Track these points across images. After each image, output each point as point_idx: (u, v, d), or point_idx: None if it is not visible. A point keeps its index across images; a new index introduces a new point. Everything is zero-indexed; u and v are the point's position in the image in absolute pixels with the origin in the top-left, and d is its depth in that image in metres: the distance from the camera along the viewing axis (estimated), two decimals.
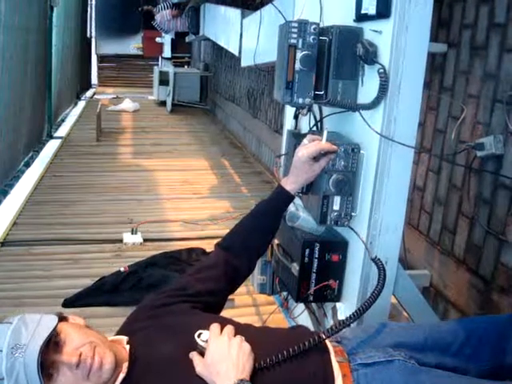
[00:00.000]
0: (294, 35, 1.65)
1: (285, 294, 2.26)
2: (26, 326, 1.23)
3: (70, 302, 2.97)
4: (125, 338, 1.39)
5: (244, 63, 4.48)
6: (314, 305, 2.10)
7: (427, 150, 2.76)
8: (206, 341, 1.29)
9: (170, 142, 7.37)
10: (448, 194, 2.61)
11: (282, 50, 1.70)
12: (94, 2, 14.32)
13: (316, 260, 1.82)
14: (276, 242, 2.10)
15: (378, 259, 1.57)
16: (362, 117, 1.66)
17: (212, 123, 9.22)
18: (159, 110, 10.12)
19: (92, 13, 14.39)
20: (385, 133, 1.62)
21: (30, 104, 6.29)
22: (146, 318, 1.46)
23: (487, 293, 2.31)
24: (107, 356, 1.25)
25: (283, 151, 2.28)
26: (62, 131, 8.15)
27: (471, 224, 2.44)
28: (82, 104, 11.06)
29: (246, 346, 1.28)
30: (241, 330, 1.37)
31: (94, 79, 14.86)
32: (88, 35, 13.98)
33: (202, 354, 1.28)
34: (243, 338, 1.31)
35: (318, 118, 2.01)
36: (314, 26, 1.66)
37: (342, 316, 1.86)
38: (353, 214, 1.75)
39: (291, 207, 1.85)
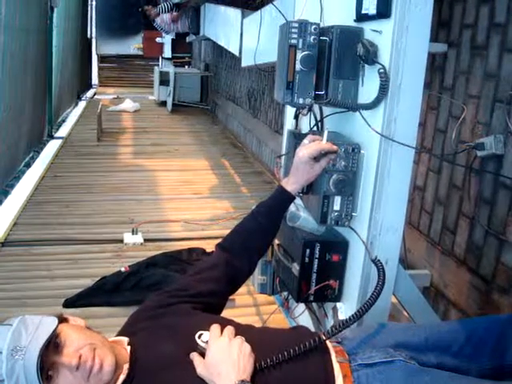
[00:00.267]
0: (295, 35, 1.65)
1: (285, 293, 2.26)
2: (26, 327, 1.24)
3: (70, 302, 2.97)
4: (125, 339, 1.39)
5: (244, 63, 4.48)
6: (314, 305, 2.10)
7: (428, 149, 2.76)
8: (207, 342, 1.29)
9: (170, 142, 7.38)
10: (448, 194, 2.61)
11: (283, 50, 1.70)
12: (94, 3, 14.32)
13: (316, 260, 1.82)
14: (276, 242, 2.10)
15: (378, 260, 1.57)
16: (363, 117, 1.66)
17: (212, 123, 9.22)
18: (160, 110, 10.12)
19: (92, 13, 14.38)
20: (385, 133, 1.62)
21: (31, 104, 6.29)
22: (146, 318, 1.46)
23: (488, 293, 2.31)
24: (107, 358, 1.25)
25: (284, 151, 2.28)
26: (63, 131, 8.15)
27: (472, 224, 2.44)
28: (82, 104, 11.06)
29: (247, 347, 1.28)
30: (241, 330, 1.37)
31: (95, 79, 14.86)
32: (88, 35, 13.98)
33: (202, 354, 1.28)
34: (243, 338, 1.31)
35: (319, 118, 2.01)
36: (314, 26, 1.66)
37: (342, 316, 1.86)
38: (353, 213, 1.75)
39: (292, 207, 1.85)
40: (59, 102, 8.59)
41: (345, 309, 1.87)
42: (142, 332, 1.41)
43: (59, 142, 7.34)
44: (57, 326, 1.26)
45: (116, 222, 4.30)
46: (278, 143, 4.45)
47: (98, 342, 1.29)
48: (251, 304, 3.00)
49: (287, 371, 1.30)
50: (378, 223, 1.70)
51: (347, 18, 1.75)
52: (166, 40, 11.19)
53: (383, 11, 1.57)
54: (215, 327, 1.32)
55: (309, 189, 1.75)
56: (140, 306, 1.55)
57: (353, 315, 1.39)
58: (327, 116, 1.96)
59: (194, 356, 1.28)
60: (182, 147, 7.16)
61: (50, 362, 1.20)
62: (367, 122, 1.65)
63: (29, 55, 6.10)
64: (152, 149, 6.96)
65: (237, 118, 7.90)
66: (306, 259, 1.81)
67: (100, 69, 15.04)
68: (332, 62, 1.67)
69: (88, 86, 13.66)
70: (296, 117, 2.19)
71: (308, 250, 1.81)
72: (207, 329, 1.33)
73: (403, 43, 1.56)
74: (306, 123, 2.12)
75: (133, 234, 3.91)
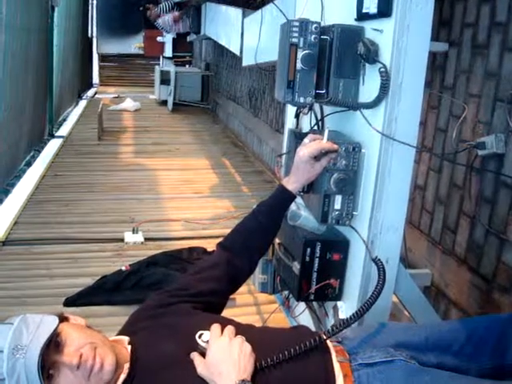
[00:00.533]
0: (296, 34, 1.64)
1: (286, 292, 2.26)
2: (27, 326, 1.24)
3: (71, 301, 2.98)
4: (126, 339, 1.39)
5: (245, 62, 4.48)
6: (315, 304, 2.10)
7: (428, 149, 2.76)
8: (207, 341, 1.29)
9: (171, 142, 7.38)
10: (449, 193, 2.61)
11: (284, 49, 1.70)
12: (95, 2, 14.32)
13: (317, 259, 1.82)
14: (277, 240, 2.10)
15: (379, 259, 1.57)
16: (364, 116, 1.66)
17: (213, 122, 9.22)
18: (160, 110, 10.12)
19: (93, 12, 14.39)
20: (386, 132, 1.62)
21: (32, 103, 6.30)
22: (147, 318, 1.46)
23: (488, 292, 2.31)
24: (108, 357, 1.25)
25: (284, 150, 2.28)
26: (64, 130, 8.15)
27: (472, 223, 2.43)
28: (83, 103, 11.07)
29: (247, 346, 1.28)
30: (242, 330, 1.37)
31: (96, 78, 14.87)
32: (89, 35, 13.98)
33: (202, 354, 1.28)
34: (244, 338, 1.31)
35: (319, 117, 2.01)
36: (315, 25, 1.66)
37: (343, 315, 1.86)
38: (354, 213, 1.75)
39: (292, 206, 1.85)
40: (60, 101, 8.59)
41: (345, 308, 1.87)
42: (142, 331, 1.41)
43: (60, 141, 7.34)
44: (58, 325, 1.26)
45: (116, 221, 4.30)
46: (279, 142, 4.45)
47: (99, 341, 1.29)
48: (252, 303, 3.00)
49: (287, 371, 1.30)
50: (379, 222, 1.70)
51: (348, 17, 1.75)
52: (167, 39, 11.18)
53: (384, 10, 1.57)
54: (216, 327, 1.32)
55: (310, 188, 1.75)
56: (140, 305, 1.55)
57: (353, 314, 1.39)
58: (328, 115, 1.96)
59: (195, 356, 1.28)
60: (182, 146, 7.16)
61: (50, 361, 1.20)
62: (368, 121, 1.65)
63: (30, 54, 6.10)
64: (153, 148, 6.96)
65: (237, 117, 7.90)
66: (307, 258, 1.81)
67: (101, 68, 15.06)
68: (333, 61, 1.67)
69: (89, 85, 13.67)
70: (297, 116, 2.19)
71: (309, 249, 1.81)
72: (208, 328, 1.33)
73: (404, 42, 1.56)
74: (306, 122, 2.12)
75: (133, 233, 3.91)
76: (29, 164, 5.99)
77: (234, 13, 4.99)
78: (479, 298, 2.36)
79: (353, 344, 1.44)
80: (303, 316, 2.15)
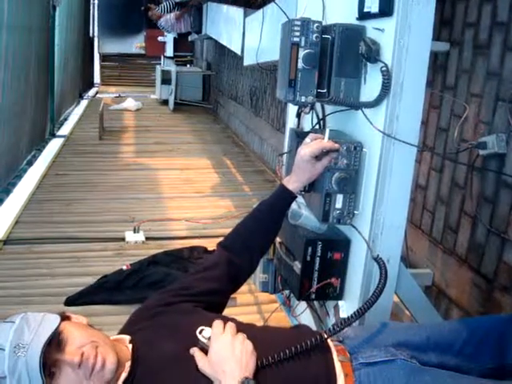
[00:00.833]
0: (297, 33, 1.64)
1: (287, 292, 2.26)
2: (28, 325, 1.24)
3: (72, 300, 2.98)
4: (127, 338, 1.39)
5: (246, 62, 4.48)
6: (316, 303, 2.10)
7: (430, 148, 2.76)
8: (208, 338, 1.29)
9: (172, 141, 7.38)
10: (450, 193, 2.61)
11: (285, 48, 1.70)
12: (96, 1, 14.33)
13: (318, 258, 1.82)
14: (278, 240, 2.10)
15: (380, 258, 1.57)
16: (365, 115, 1.66)
17: (214, 122, 9.22)
18: (161, 109, 10.12)
19: (94, 12, 14.39)
20: (387, 131, 1.62)
21: (33, 103, 6.30)
22: (148, 317, 1.46)
23: (489, 291, 2.31)
24: (110, 356, 1.25)
25: (285, 150, 2.28)
26: (65, 130, 8.15)
27: (474, 223, 2.43)
28: (84, 103, 11.07)
29: (249, 344, 1.28)
30: (243, 329, 1.37)
31: (97, 78, 14.87)
32: (90, 34, 13.99)
33: (203, 350, 1.28)
34: (245, 335, 1.31)
35: (321, 116, 2.01)
36: (316, 25, 1.66)
37: (344, 314, 1.86)
38: (355, 212, 1.75)
39: (293, 205, 1.85)
40: (61, 100, 8.60)
41: (346, 307, 1.87)
42: (143, 330, 1.41)
43: (61, 140, 7.34)
44: (59, 324, 1.26)
45: (118, 221, 4.30)
46: (280, 142, 4.45)
47: (100, 340, 1.29)
48: (252, 302, 3.00)
49: (289, 370, 1.30)
50: (380, 221, 1.70)
51: (349, 16, 1.75)
52: (168, 39, 11.16)
53: (385, 9, 1.57)
54: (218, 323, 1.32)
55: (311, 187, 1.75)
56: (142, 304, 1.55)
57: (354, 313, 1.39)
58: (329, 114, 1.96)
59: (195, 351, 1.28)
60: (183, 146, 7.16)
61: (52, 359, 1.20)
62: (369, 120, 1.65)
63: (31, 54, 6.11)
64: (154, 147, 6.96)
65: (239, 116, 7.90)
66: (308, 257, 1.81)
67: (102, 67, 15.05)
68: (334, 60, 1.67)
69: (90, 84, 13.67)
70: (298, 115, 2.19)
71: (310, 248, 1.81)
72: (209, 326, 1.33)
73: (405, 41, 1.56)
74: (308, 121, 2.11)
75: (134, 232, 3.91)
76: (30, 163, 5.99)
77: (236, 12, 4.99)
78: (480, 297, 2.36)
79: (354, 343, 1.44)
80: (304, 315, 2.15)
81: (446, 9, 2.63)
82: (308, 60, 1.65)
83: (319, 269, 1.83)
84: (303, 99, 1.70)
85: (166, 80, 10.15)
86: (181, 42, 10.98)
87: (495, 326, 1.53)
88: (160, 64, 11.96)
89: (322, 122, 2.01)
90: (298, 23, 1.65)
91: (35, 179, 5.47)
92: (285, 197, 1.66)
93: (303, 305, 2.13)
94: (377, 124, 1.63)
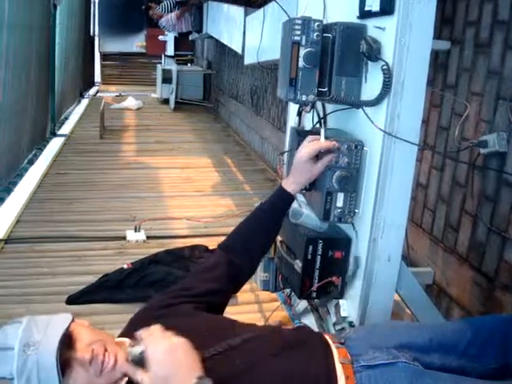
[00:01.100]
0: (298, 32, 1.65)
1: (288, 290, 2.26)
2: (36, 324, 1.24)
3: (73, 299, 2.98)
4: (128, 341, 1.39)
5: (247, 61, 4.48)
6: (317, 301, 2.10)
7: (430, 147, 2.76)
8: (141, 352, 1.19)
9: (173, 140, 7.37)
10: (451, 192, 2.61)
11: (286, 47, 1.70)
12: (97, 0, 14.32)
13: (319, 257, 1.82)
14: (279, 238, 2.10)
15: None
16: (366, 114, 1.66)
17: (215, 121, 9.22)
18: (162, 108, 10.12)
19: (95, 11, 14.39)
20: (388, 130, 1.62)
21: (34, 102, 6.30)
22: (149, 319, 1.46)
23: (490, 290, 2.31)
24: (120, 354, 1.25)
25: (286, 148, 2.28)
26: (66, 129, 8.15)
27: (474, 221, 2.43)
28: (85, 102, 11.06)
29: (182, 340, 1.21)
30: (243, 328, 1.37)
31: (98, 77, 14.87)
32: (91, 33, 13.99)
33: (140, 363, 1.19)
34: (172, 332, 1.23)
35: (322, 115, 2.01)
36: (317, 23, 1.66)
37: (344, 313, 1.86)
38: (356, 210, 1.75)
39: (294, 204, 1.86)
40: (62, 99, 8.60)
41: (347, 306, 1.87)
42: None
43: (62, 139, 7.34)
44: (71, 322, 1.27)
45: (118, 220, 4.30)
46: (281, 141, 4.45)
47: (107, 339, 1.29)
48: (253, 301, 3.00)
49: (288, 367, 1.30)
50: (381, 220, 1.70)
51: (350, 15, 1.75)
52: (169, 38, 11.15)
53: (386, 8, 1.57)
54: (146, 334, 1.22)
55: (311, 185, 1.76)
56: (143, 306, 1.55)
57: None
58: (330, 113, 1.96)
59: (137, 374, 1.19)
60: (184, 145, 7.16)
61: (63, 357, 1.20)
62: (370, 119, 1.65)
63: (32, 53, 6.11)
64: (154, 146, 6.96)
65: (239, 115, 7.90)
66: (309, 256, 1.82)
67: (103, 66, 15.05)
68: (335, 59, 1.67)
69: (91, 83, 13.67)
70: (299, 114, 2.19)
71: (311, 247, 1.81)
72: (205, 330, 1.32)
73: (406, 40, 1.56)
74: (308, 120, 2.12)
75: (135, 231, 3.91)
76: (31, 162, 5.99)
77: (236, 11, 4.99)
78: (481, 296, 2.36)
79: (355, 345, 1.44)
80: (305, 314, 2.15)
81: (447, 7, 2.63)
82: (309, 59, 1.66)
83: (320, 267, 1.83)
84: (304, 98, 1.70)
85: (166, 79, 10.14)
86: (181, 40, 10.97)
87: (499, 326, 1.54)
88: (161, 63, 11.96)
89: (322, 120, 2.01)
90: (299, 22, 1.65)
91: (36, 178, 5.46)
92: (283, 198, 1.67)
93: (304, 303, 2.13)
94: (378, 123, 1.63)
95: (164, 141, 7.28)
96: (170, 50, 11.43)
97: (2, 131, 4.81)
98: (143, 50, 13.14)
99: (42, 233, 3.96)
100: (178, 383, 1.15)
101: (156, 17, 9.04)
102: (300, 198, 1.93)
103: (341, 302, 1.89)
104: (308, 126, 2.14)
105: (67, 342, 1.23)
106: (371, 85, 1.68)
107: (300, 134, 1.89)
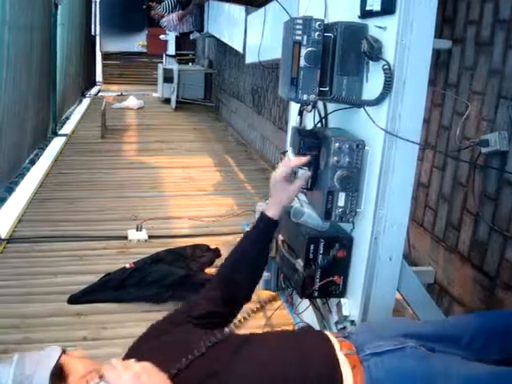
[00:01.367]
0: (299, 32, 1.65)
1: (289, 289, 2.26)
2: (26, 360, 1.23)
3: (75, 299, 2.99)
4: (132, 361, 1.37)
5: (248, 60, 4.48)
6: (318, 301, 2.10)
7: (432, 146, 2.76)
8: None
9: (174, 139, 7.38)
10: (453, 191, 2.61)
11: (287, 46, 1.70)
12: (98, 0, 14.33)
13: (321, 256, 1.82)
14: (281, 238, 2.11)
15: None
16: (367, 113, 1.67)
17: (216, 120, 9.22)
18: (164, 108, 10.12)
19: (96, 10, 14.39)
20: (389, 129, 1.62)
21: (35, 101, 6.31)
22: (152, 338, 1.46)
23: (492, 289, 2.31)
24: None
25: (288, 148, 2.28)
26: (67, 129, 8.15)
27: (476, 220, 2.43)
28: (86, 101, 11.07)
29: (144, 365, 1.20)
30: (244, 340, 1.37)
31: (99, 77, 14.87)
32: (92, 33, 13.99)
33: None
34: (134, 359, 1.22)
35: (323, 114, 2.02)
36: (318, 23, 1.66)
37: (346, 312, 1.87)
38: (357, 210, 1.76)
39: (296, 203, 1.86)
40: (63, 99, 8.60)
41: (349, 304, 1.87)
42: (148, 352, 1.39)
43: (63, 139, 7.35)
44: (61, 354, 1.25)
45: (120, 219, 4.30)
46: (282, 140, 4.45)
47: (99, 368, 1.25)
48: (255, 300, 3.01)
49: (288, 368, 1.30)
50: (383, 219, 1.70)
51: (351, 15, 1.75)
52: (170, 37, 11.17)
53: (388, 7, 1.57)
54: (108, 368, 1.19)
55: (313, 185, 1.76)
56: (150, 325, 1.54)
57: None
58: (331, 112, 1.96)
59: None
60: (185, 144, 7.16)
61: None
62: (371, 119, 1.65)
63: (33, 53, 6.11)
64: (156, 146, 6.96)
65: (241, 115, 7.90)
66: (310, 255, 1.82)
67: (104, 66, 15.05)
68: (336, 59, 1.67)
69: (92, 83, 13.67)
70: (300, 113, 2.19)
71: (312, 246, 1.81)
72: (195, 346, 1.32)
73: (408, 39, 1.57)
74: (310, 119, 2.12)
75: (137, 230, 3.91)
76: (32, 162, 5.99)
77: (237, 10, 4.99)
78: (483, 295, 2.36)
79: (359, 337, 1.44)
80: (307, 313, 2.16)
81: (448, 6, 2.63)
82: (310, 58, 1.66)
83: (322, 266, 1.83)
84: (305, 97, 1.70)
85: (168, 78, 10.14)
86: (183, 40, 11.00)
87: (501, 320, 1.54)
88: (162, 62, 11.96)
89: (324, 120, 2.02)
90: (300, 22, 1.65)
91: (38, 178, 5.48)
92: (267, 224, 1.66)
93: (306, 302, 2.13)
94: (379, 122, 1.64)
95: (165, 140, 7.28)
96: (171, 49, 11.45)
97: (4, 131, 4.81)
98: (144, 50, 13.16)
99: (44, 232, 3.97)
100: None
101: (157, 16, 9.04)
102: (302, 197, 1.94)
103: (342, 300, 1.89)
104: (309, 125, 2.14)
105: (59, 374, 1.22)
106: (372, 84, 1.68)
107: (301, 134, 1.89)
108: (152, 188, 5.23)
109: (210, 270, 3.28)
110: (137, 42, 13.87)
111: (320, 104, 2.00)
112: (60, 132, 7.83)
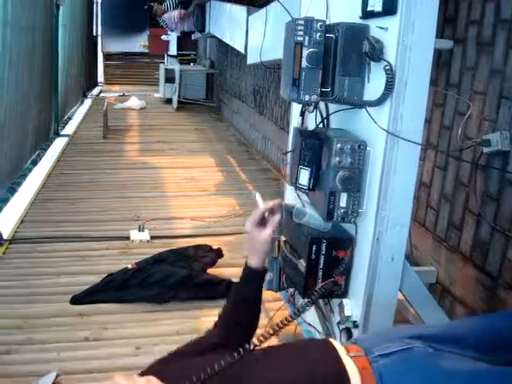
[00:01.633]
0: (301, 32, 1.65)
1: (291, 290, 2.26)
2: None
3: (77, 299, 2.99)
4: (135, 376, 1.36)
5: (250, 60, 4.49)
6: (320, 301, 2.11)
7: (434, 146, 2.76)
8: None
9: (176, 140, 7.39)
10: (454, 191, 2.61)
11: (289, 47, 1.70)
12: (99, 0, 14.34)
13: (323, 256, 1.82)
14: (283, 238, 2.11)
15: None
16: (369, 114, 1.67)
17: (218, 120, 9.23)
18: (165, 108, 10.13)
19: (98, 11, 14.40)
20: (391, 129, 1.62)
21: (37, 102, 6.32)
22: (163, 366, 1.45)
23: (494, 289, 2.31)
24: None
25: (290, 148, 2.28)
26: (69, 129, 8.17)
27: (478, 220, 2.44)
28: (88, 102, 11.09)
29: (149, 378, 1.19)
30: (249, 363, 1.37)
31: (100, 77, 14.89)
32: (94, 33, 14.00)
33: None
34: (136, 376, 1.22)
35: (325, 115, 2.02)
36: (320, 24, 1.66)
37: (348, 312, 1.87)
38: (359, 210, 1.76)
39: (298, 204, 1.86)
40: (65, 99, 8.62)
41: (351, 305, 1.87)
42: (163, 372, 1.38)
43: (65, 139, 7.36)
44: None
45: (122, 219, 4.31)
46: (284, 140, 4.46)
47: None
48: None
49: (293, 377, 1.30)
50: (385, 220, 1.70)
51: (353, 15, 1.75)
52: (172, 37, 11.17)
53: (389, 8, 1.57)
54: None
55: (315, 186, 1.76)
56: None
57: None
58: (333, 113, 1.96)
59: None
60: (187, 144, 7.17)
61: None
62: (373, 119, 1.65)
63: (35, 53, 6.12)
64: (158, 146, 6.97)
65: (242, 115, 7.91)
66: (313, 255, 1.82)
67: (106, 66, 15.07)
68: (338, 59, 1.67)
69: (94, 83, 13.69)
70: (302, 114, 2.19)
71: (314, 247, 1.81)
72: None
73: (409, 40, 1.57)
74: (311, 120, 2.12)
75: (139, 231, 3.92)
76: (35, 163, 6.01)
77: (239, 11, 4.99)
78: (484, 295, 2.36)
79: (366, 342, 1.45)
80: (309, 313, 2.16)
81: (450, 6, 2.63)
82: (312, 59, 1.66)
83: (324, 267, 1.83)
84: (307, 98, 1.70)
85: (169, 79, 10.14)
86: (184, 40, 10.99)
87: (508, 320, 1.54)
88: (163, 63, 11.97)
89: (325, 120, 2.02)
90: (302, 22, 1.65)
91: (40, 178, 5.49)
92: (252, 275, 1.63)
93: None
94: (381, 122, 1.64)
95: (167, 140, 7.29)
96: (173, 49, 11.44)
97: (6, 131, 4.82)
98: (146, 50, 13.15)
99: (46, 233, 3.98)
100: None
101: (159, 12, 9.02)
102: (303, 197, 1.94)
103: (344, 301, 1.89)
104: (311, 126, 2.14)
105: None
106: (374, 85, 1.68)
107: (303, 134, 1.89)
108: (154, 188, 5.24)
109: (213, 271, 3.28)
110: (138, 43, 13.88)
111: (322, 104, 2.00)
112: (62, 132, 7.85)
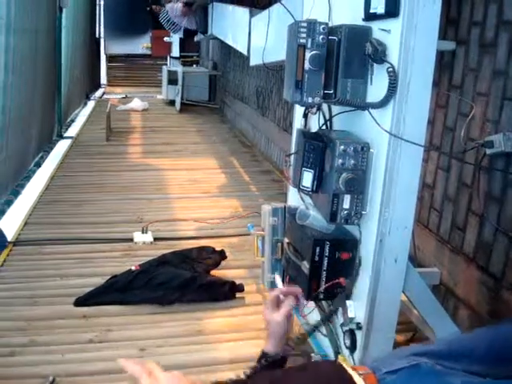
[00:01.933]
0: (303, 35, 1.66)
1: None
2: None
3: (81, 301, 3.00)
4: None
5: (253, 62, 4.49)
6: (324, 303, 2.11)
7: (437, 147, 2.76)
8: None
9: (179, 141, 7.40)
10: (457, 192, 2.61)
11: (292, 49, 1.71)
12: (102, 3, 14.37)
13: (326, 258, 1.83)
14: (286, 240, 2.11)
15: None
16: (372, 115, 1.67)
17: (221, 122, 9.24)
18: (168, 110, 10.14)
19: (100, 13, 14.44)
20: (394, 131, 1.63)
21: (40, 104, 6.33)
22: None
23: (497, 290, 2.31)
24: None
25: (293, 150, 2.29)
26: (72, 131, 8.18)
27: (481, 222, 2.43)
28: (91, 104, 11.11)
29: (170, 374, 1.22)
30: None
31: (103, 79, 14.92)
32: (97, 35, 14.03)
33: None
34: (157, 365, 1.24)
35: (328, 116, 2.02)
36: (323, 26, 1.67)
37: (352, 314, 1.87)
38: (363, 212, 1.76)
39: (301, 206, 1.86)
40: (68, 101, 8.63)
41: (355, 307, 1.87)
42: None
43: (69, 141, 7.37)
44: None
45: (126, 221, 4.32)
46: (287, 142, 4.47)
47: None
48: (261, 302, 3.01)
49: None
50: (388, 221, 1.71)
51: (355, 18, 1.76)
52: (174, 39, 11.19)
53: (392, 10, 1.58)
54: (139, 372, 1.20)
55: (318, 188, 1.76)
56: None
57: None
58: (336, 115, 1.97)
59: None
60: (190, 146, 7.18)
61: None
62: (376, 121, 1.66)
63: (38, 56, 6.13)
64: (161, 148, 6.98)
65: (245, 116, 7.91)
66: (316, 257, 1.82)
67: (108, 68, 15.11)
68: (341, 61, 1.68)
69: (97, 85, 13.71)
70: (305, 116, 2.20)
71: (318, 249, 1.82)
72: None
73: (412, 42, 1.57)
74: (314, 122, 2.12)
75: (143, 232, 3.92)
76: (38, 165, 6.02)
77: (241, 12, 4.99)
78: (488, 296, 2.36)
79: (373, 363, 1.45)
80: (312, 315, 2.16)
81: (452, 8, 2.63)
82: (315, 61, 1.67)
83: (327, 269, 1.84)
84: (310, 100, 1.71)
85: (172, 80, 10.16)
86: (187, 42, 11.00)
87: None
88: (166, 64, 11.99)
89: (328, 122, 2.02)
90: (305, 25, 1.66)
91: (43, 181, 5.49)
92: (268, 365, 1.63)
93: (311, 305, 2.13)
94: (384, 124, 1.64)
95: (170, 142, 7.30)
96: (176, 51, 11.45)
97: (10, 134, 4.84)
98: (149, 52, 13.19)
99: (50, 235, 3.99)
100: None
101: (157, 10, 9.01)
102: (307, 199, 1.94)
103: (348, 302, 1.89)
104: (314, 127, 2.15)
105: None
106: (377, 87, 1.69)
107: (306, 136, 1.90)
108: (157, 190, 5.24)
109: (216, 272, 3.29)
110: (141, 45, 13.93)
111: (325, 106, 2.00)
112: (65, 135, 7.86)
